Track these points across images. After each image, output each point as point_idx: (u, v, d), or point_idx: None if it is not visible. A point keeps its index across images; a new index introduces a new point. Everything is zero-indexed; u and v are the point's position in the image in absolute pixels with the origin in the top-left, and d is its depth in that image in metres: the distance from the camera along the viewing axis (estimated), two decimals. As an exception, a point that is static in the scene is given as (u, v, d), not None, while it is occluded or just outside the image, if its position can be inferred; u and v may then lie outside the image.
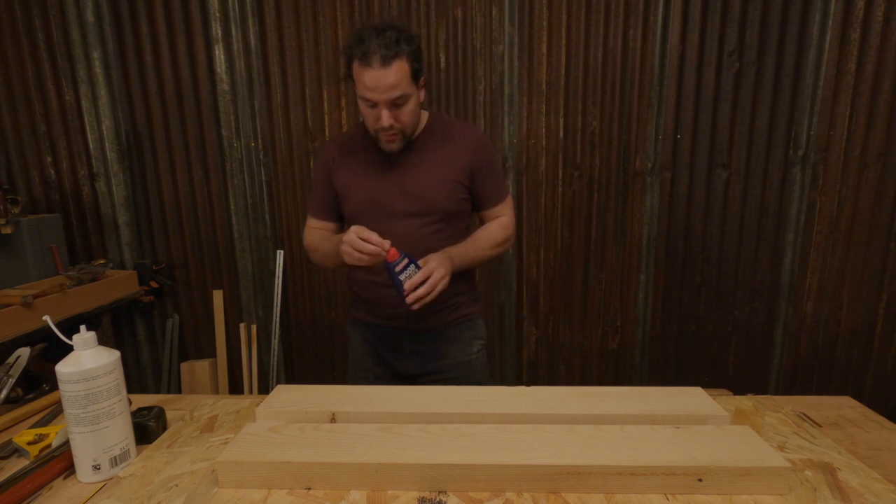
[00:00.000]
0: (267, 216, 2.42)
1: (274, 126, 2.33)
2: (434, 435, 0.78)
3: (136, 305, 2.49)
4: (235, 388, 2.57)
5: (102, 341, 0.80)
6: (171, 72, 2.30)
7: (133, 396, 1.01)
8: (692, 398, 0.89)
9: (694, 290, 2.35)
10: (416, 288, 1.04)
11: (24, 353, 1.09)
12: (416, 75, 1.08)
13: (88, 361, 0.75)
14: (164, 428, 0.93)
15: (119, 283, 2.28)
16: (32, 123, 2.37)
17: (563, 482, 0.70)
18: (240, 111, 2.32)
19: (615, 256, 2.35)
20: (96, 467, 0.77)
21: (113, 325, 2.35)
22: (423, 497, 0.70)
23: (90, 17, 2.26)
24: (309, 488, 0.72)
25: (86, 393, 0.74)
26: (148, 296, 2.42)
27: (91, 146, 2.39)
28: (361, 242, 1.02)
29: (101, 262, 2.40)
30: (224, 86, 2.30)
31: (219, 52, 2.26)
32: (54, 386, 0.91)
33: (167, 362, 2.54)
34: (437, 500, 0.70)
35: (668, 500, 0.69)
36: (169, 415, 0.97)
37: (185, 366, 2.52)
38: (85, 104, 2.35)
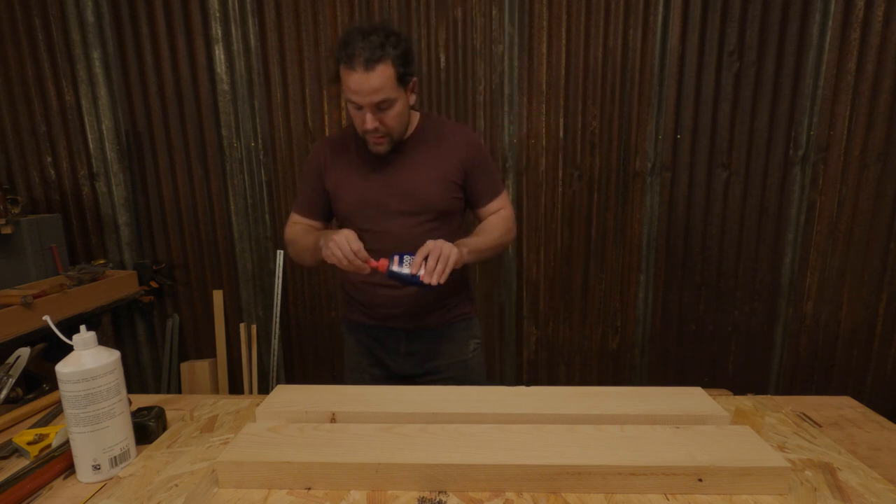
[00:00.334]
0: (267, 216, 2.42)
1: (274, 126, 2.33)
2: (434, 435, 0.78)
3: (136, 305, 2.49)
4: (235, 388, 2.57)
5: (102, 341, 0.80)
6: (171, 72, 2.30)
7: (133, 396, 1.01)
8: (692, 398, 0.89)
9: (694, 290, 2.35)
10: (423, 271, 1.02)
11: (24, 353, 1.09)
12: (402, 79, 1.07)
13: (88, 361, 0.75)
14: (164, 428, 0.93)
15: (119, 283, 2.28)
16: (32, 123, 2.37)
17: (563, 482, 0.70)
18: (240, 111, 2.32)
19: (615, 256, 2.35)
20: (96, 467, 0.77)
21: (113, 325, 2.35)
22: (423, 497, 0.70)
23: (90, 17, 2.26)
24: (309, 488, 0.72)
25: (86, 393, 0.74)
26: (148, 296, 2.42)
27: (91, 146, 2.39)
28: (349, 251, 1.01)
29: (101, 262, 2.40)
30: (224, 86, 2.30)
31: (219, 52, 2.26)
32: (54, 386, 0.91)
33: (167, 362, 2.54)
34: (437, 500, 0.70)
35: (668, 500, 0.69)
36: (169, 415, 0.97)
37: (185, 366, 2.52)
38: (85, 104, 2.35)
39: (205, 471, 0.77)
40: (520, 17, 2.16)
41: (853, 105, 2.13)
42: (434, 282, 1.00)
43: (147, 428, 0.88)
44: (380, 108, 1.07)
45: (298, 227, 1.29)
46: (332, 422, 0.85)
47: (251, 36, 2.24)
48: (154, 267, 2.45)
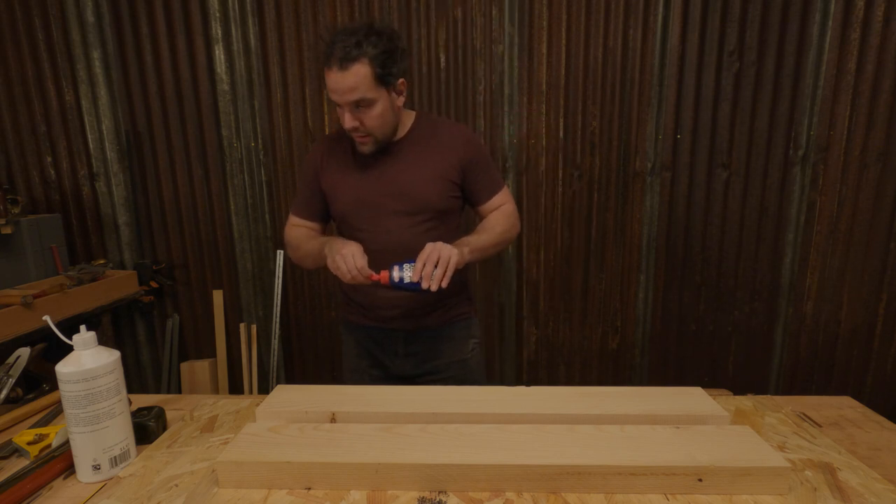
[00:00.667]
0: (267, 216, 2.42)
1: (274, 126, 2.33)
2: (434, 435, 0.78)
3: (136, 305, 2.49)
4: (235, 388, 2.57)
5: (102, 341, 0.81)
6: (171, 72, 2.30)
7: (133, 396, 1.01)
8: (692, 398, 0.89)
9: (694, 290, 2.35)
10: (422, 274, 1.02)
11: (24, 353, 1.09)
12: (382, 79, 1.06)
13: (88, 361, 0.75)
14: (164, 428, 0.93)
15: (119, 283, 2.28)
16: (32, 123, 2.37)
17: (563, 482, 0.70)
18: (240, 111, 2.32)
19: (615, 256, 2.35)
20: (96, 467, 0.77)
21: (113, 325, 2.35)
22: (423, 497, 0.70)
23: (90, 17, 2.26)
24: (309, 488, 0.72)
25: (86, 393, 0.74)
26: (148, 296, 2.42)
27: (91, 146, 2.39)
28: (353, 267, 1.02)
29: (101, 262, 2.40)
30: (224, 86, 2.30)
31: (219, 52, 2.26)
32: (54, 386, 0.91)
33: (167, 362, 2.54)
34: (437, 500, 0.70)
35: (668, 500, 0.69)
36: (169, 415, 0.97)
37: (185, 366, 2.52)
38: (85, 104, 2.35)
39: (205, 471, 0.77)
40: (520, 17, 2.16)
41: (853, 105, 2.13)
42: (434, 287, 1.01)
43: (147, 428, 0.88)
44: (358, 107, 1.07)
45: (299, 230, 1.28)
46: (332, 422, 0.85)
47: (251, 36, 2.24)
48: (154, 267, 2.45)
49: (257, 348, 2.50)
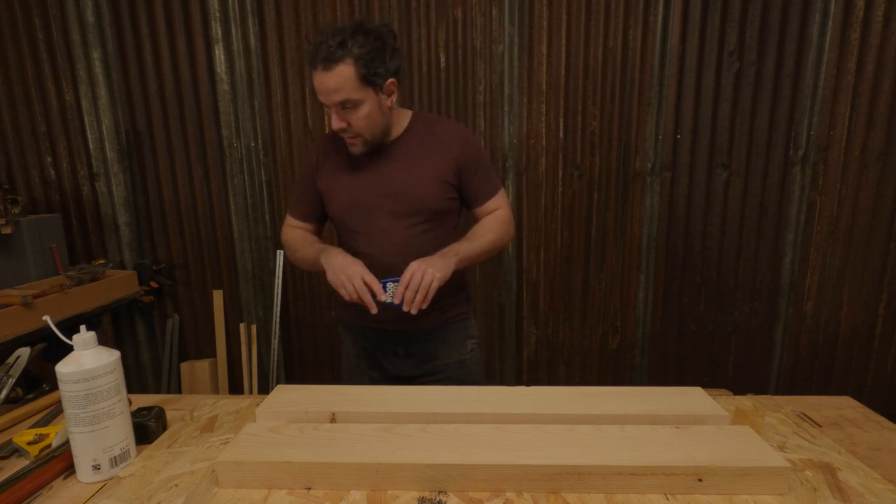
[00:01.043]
0: (267, 216, 2.42)
1: (274, 126, 2.33)
2: (434, 435, 0.78)
3: (136, 305, 2.49)
4: (235, 388, 2.57)
5: (102, 341, 0.81)
6: (171, 72, 2.30)
7: (133, 396, 1.01)
8: (692, 398, 0.89)
9: (694, 290, 2.35)
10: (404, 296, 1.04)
11: (24, 353, 1.09)
12: (368, 80, 1.04)
13: (88, 361, 0.75)
14: (164, 428, 0.93)
15: (119, 283, 2.28)
16: (32, 123, 2.37)
17: (563, 482, 0.70)
18: (240, 111, 2.32)
19: (615, 256, 2.35)
20: (96, 467, 0.77)
21: (113, 325, 2.35)
22: (423, 497, 0.70)
23: (90, 17, 2.26)
24: (309, 488, 0.72)
25: (86, 393, 0.74)
26: (148, 296, 2.42)
27: (91, 146, 2.39)
28: (363, 288, 1.04)
29: (101, 262, 2.40)
30: (224, 86, 2.30)
31: (219, 52, 2.26)
32: (54, 386, 0.91)
33: (167, 362, 2.54)
34: (437, 500, 0.70)
35: (668, 500, 0.69)
36: (169, 415, 0.97)
37: (185, 366, 2.52)
38: (85, 104, 2.35)
39: (205, 471, 0.77)
40: (520, 17, 2.16)
41: (853, 105, 2.13)
42: (414, 311, 1.03)
43: (147, 428, 0.88)
44: (344, 107, 1.06)
45: (296, 232, 1.28)
46: (332, 422, 0.85)
47: (251, 36, 2.24)
48: (154, 267, 2.45)
49: (257, 348, 2.50)
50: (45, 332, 1.84)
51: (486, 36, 2.19)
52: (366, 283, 1.04)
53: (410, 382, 1.26)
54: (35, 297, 1.87)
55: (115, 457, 0.78)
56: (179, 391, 2.55)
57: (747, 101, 2.17)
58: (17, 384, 1.07)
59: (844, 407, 0.99)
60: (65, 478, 0.78)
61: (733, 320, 2.37)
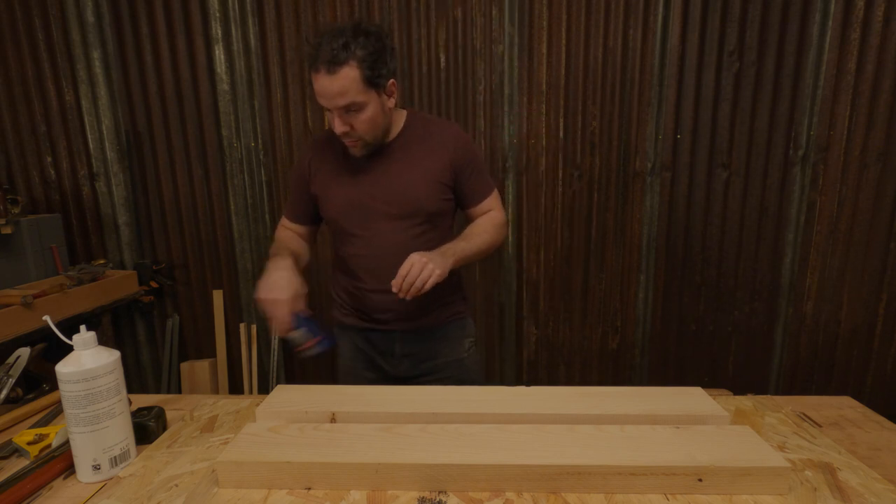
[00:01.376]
0: (267, 216, 2.42)
1: (274, 126, 2.33)
2: (434, 435, 0.78)
3: (136, 305, 2.49)
4: (235, 388, 2.57)
5: (102, 341, 0.81)
6: (171, 72, 2.30)
7: (133, 396, 1.01)
8: (692, 398, 0.89)
9: (694, 290, 2.35)
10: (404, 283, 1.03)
11: (24, 353, 1.09)
12: (371, 82, 1.03)
13: (88, 361, 0.75)
14: (164, 428, 0.93)
15: (119, 283, 2.28)
16: (32, 123, 2.37)
17: (563, 482, 0.70)
18: (240, 111, 2.32)
19: (615, 256, 2.35)
20: (96, 467, 0.77)
21: (113, 325, 2.35)
22: (423, 497, 0.70)
23: (90, 17, 2.26)
24: (309, 488, 0.72)
25: (86, 393, 0.74)
26: (148, 296, 2.42)
27: (91, 146, 2.39)
28: (274, 314, 1.02)
29: (101, 262, 2.40)
30: (224, 86, 2.30)
31: (219, 52, 2.26)
32: (54, 386, 0.91)
33: (167, 362, 2.54)
34: (437, 500, 0.70)
35: (668, 500, 0.69)
36: (169, 415, 0.97)
37: (185, 366, 2.52)
38: (85, 104, 2.35)
39: (205, 471, 0.77)
40: (520, 17, 2.16)
41: (853, 105, 2.13)
42: (409, 297, 1.03)
43: (147, 428, 0.88)
44: (348, 111, 1.04)
45: (282, 234, 1.29)
46: (332, 422, 0.85)
47: (251, 36, 2.24)
48: (154, 267, 2.45)
49: (257, 348, 2.50)
50: (45, 332, 1.84)
51: (486, 36, 2.19)
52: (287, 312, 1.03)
53: (408, 382, 1.26)
54: (35, 297, 1.87)
55: (115, 457, 0.78)
56: (179, 391, 2.54)
57: (747, 101, 2.17)
58: (17, 384, 1.07)
59: (844, 407, 0.99)
60: (65, 478, 0.78)
61: (733, 320, 2.37)
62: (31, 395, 1.09)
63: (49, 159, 2.41)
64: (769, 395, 1.03)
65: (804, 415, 0.95)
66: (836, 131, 2.16)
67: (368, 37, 1.02)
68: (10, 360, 1.08)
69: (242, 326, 2.49)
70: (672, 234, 2.31)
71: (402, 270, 1.02)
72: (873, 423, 0.93)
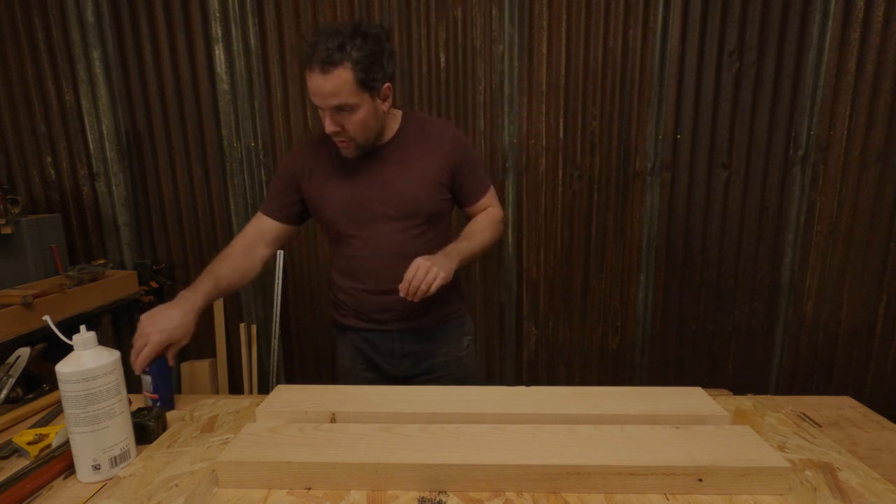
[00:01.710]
0: (267, 216, 2.41)
1: (274, 126, 2.33)
2: (434, 435, 0.78)
3: (136, 305, 2.49)
4: (235, 388, 2.57)
5: (102, 341, 0.81)
6: (171, 72, 2.30)
7: (133, 396, 1.01)
8: (692, 398, 0.89)
9: (694, 290, 2.35)
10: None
11: (24, 353, 1.09)
12: (365, 84, 1.02)
13: (88, 361, 0.76)
14: (164, 428, 0.93)
15: (119, 283, 2.28)
16: (32, 123, 2.37)
17: (563, 482, 0.70)
18: (240, 111, 2.32)
19: (615, 256, 2.35)
20: (96, 467, 0.77)
21: (113, 325, 2.35)
22: (423, 497, 0.70)
23: (90, 17, 2.26)
24: (309, 488, 0.72)
25: (86, 393, 0.74)
26: (148, 296, 2.42)
27: (91, 146, 2.39)
28: (140, 349, 0.96)
29: (101, 262, 2.40)
30: (224, 86, 2.30)
31: (219, 52, 2.26)
32: (54, 386, 0.91)
33: (167, 362, 2.54)
34: (437, 500, 0.70)
35: (668, 500, 0.69)
36: (169, 415, 0.97)
37: (185, 366, 2.52)
38: (85, 104, 2.35)
39: (205, 471, 0.77)
40: (520, 17, 2.16)
41: (853, 105, 2.13)
42: (416, 300, 1.03)
43: (147, 428, 0.88)
44: (339, 111, 1.04)
45: (236, 241, 1.22)
46: (332, 422, 0.85)
47: (251, 36, 2.24)
48: (154, 267, 2.45)
49: (257, 348, 2.50)
50: (45, 332, 1.84)
51: (486, 36, 2.19)
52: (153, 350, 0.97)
53: (408, 382, 1.26)
54: (35, 297, 1.87)
55: (115, 457, 0.78)
56: (179, 391, 2.54)
57: (747, 101, 2.16)
58: (17, 384, 1.07)
59: (844, 407, 0.99)
60: (65, 478, 0.78)
61: (733, 320, 2.37)
62: (31, 395, 1.09)
63: (49, 159, 2.41)
64: (769, 395, 1.03)
65: (804, 415, 0.95)
66: (836, 131, 2.16)
67: (366, 39, 1.01)
68: (10, 360, 1.08)
69: (242, 326, 2.49)
70: (672, 234, 2.31)
71: (408, 274, 1.02)
72: (873, 423, 0.93)
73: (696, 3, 2.10)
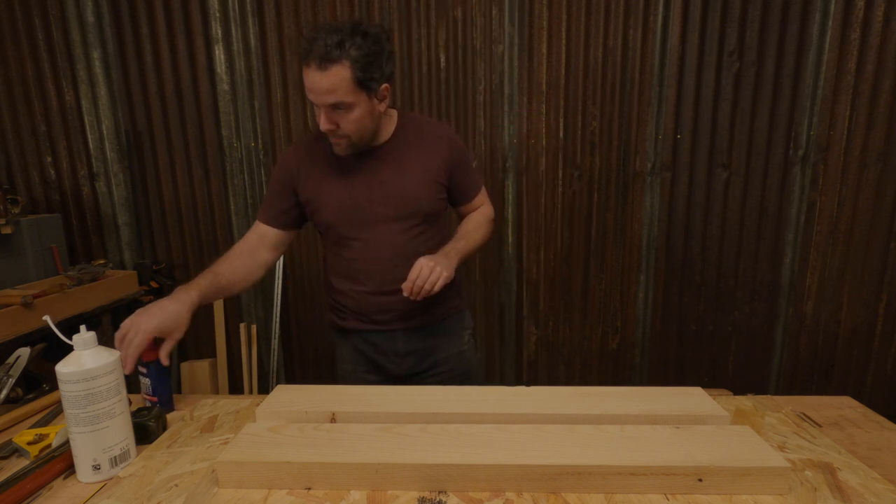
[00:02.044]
0: (267, 216, 2.41)
1: (274, 126, 2.33)
2: (434, 435, 0.78)
3: (136, 305, 2.48)
4: (235, 388, 2.57)
5: (102, 341, 0.80)
6: (171, 72, 2.30)
7: (133, 396, 1.01)
8: (692, 398, 0.89)
9: (694, 290, 2.35)
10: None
11: (24, 353, 1.09)
12: (363, 84, 1.01)
13: (88, 361, 0.75)
14: (164, 428, 0.93)
15: (119, 283, 2.28)
16: (32, 123, 2.37)
17: (563, 482, 0.70)
18: (240, 111, 2.32)
19: (615, 256, 2.35)
20: (96, 467, 0.77)
21: (113, 326, 2.35)
22: (423, 497, 0.70)
23: (90, 17, 2.26)
24: (309, 488, 0.72)
25: (86, 393, 0.74)
26: (148, 296, 2.42)
27: (91, 146, 2.39)
28: (127, 341, 0.93)
29: (101, 262, 2.40)
30: (224, 86, 2.30)
31: (219, 52, 2.26)
32: (54, 386, 0.91)
33: (167, 362, 2.54)
34: (437, 500, 0.70)
35: (668, 500, 0.69)
36: (169, 415, 0.97)
37: (185, 366, 2.52)
38: (85, 104, 2.35)
39: (205, 471, 0.77)
40: (520, 17, 2.16)
41: (853, 105, 2.13)
42: (419, 298, 1.04)
43: (147, 428, 0.88)
44: (335, 109, 1.03)
45: (237, 250, 1.19)
46: (332, 422, 0.85)
47: (251, 36, 2.24)
48: (154, 267, 2.45)
49: (257, 348, 2.50)
50: (45, 332, 1.84)
51: (486, 36, 2.19)
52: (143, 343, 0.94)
53: (413, 379, 1.27)
54: (35, 297, 1.87)
55: (115, 457, 0.78)
56: (179, 391, 2.54)
57: (747, 101, 2.16)
58: (17, 384, 1.07)
59: (844, 407, 0.99)
60: (65, 478, 0.78)
61: (733, 320, 2.37)
62: (31, 395, 1.09)
63: (49, 159, 2.41)
64: (769, 395, 1.03)
65: (804, 415, 0.95)
66: (836, 131, 2.16)
67: (366, 38, 1.00)
68: (10, 360, 1.08)
69: (242, 326, 2.49)
70: (672, 234, 2.31)
71: (412, 274, 1.03)
72: (873, 423, 0.93)
73: (696, 3, 2.10)
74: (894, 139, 2.14)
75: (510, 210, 2.33)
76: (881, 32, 2.06)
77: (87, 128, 2.37)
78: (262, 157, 2.36)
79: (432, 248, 1.14)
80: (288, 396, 0.92)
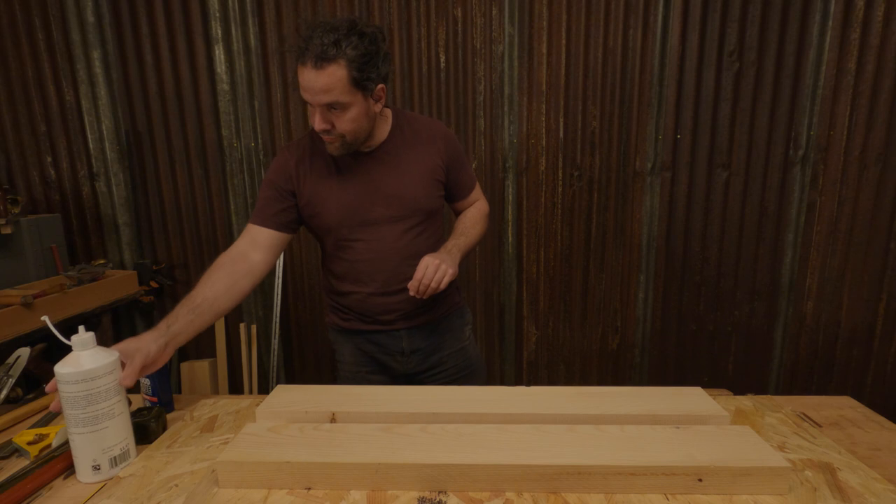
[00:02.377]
0: (267, 216, 2.41)
1: (274, 126, 2.33)
2: (434, 435, 0.78)
3: (136, 305, 2.49)
4: (235, 388, 2.57)
5: (102, 341, 0.80)
6: (171, 72, 2.30)
7: (133, 396, 1.01)
8: (692, 398, 0.89)
9: (694, 290, 2.35)
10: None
11: (24, 353, 1.09)
12: (359, 84, 0.99)
13: (87, 362, 0.75)
14: (164, 428, 0.93)
15: (119, 283, 2.28)
16: (32, 123, 2.37)
17: (563, 482, 0.70)
18: (240, 111, 2.32)
19: (615, 256, 2.35)
20: (96, 467, 0.77)
21: (113, 325, 2.35)
22: (423, 497, 0.70)
23: (90, 17, 2.26)
24: (309, 488, 0.72)
25: (85, 393, 0.74)
26: (148, 296, 2.42)
27: (91, 146, 2.38)
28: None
29: (101, 262, 2.40)
30: (224, 86, 2.30)
31: (219, 52, 2.26)
32: (54, 386, 0.91)
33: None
34: (437, 500, 0.70)
35: (668, 500, 0.69)
36: (169, 415, 0.97)
37: (185, 366, 2.52)
38: (85, 104, 2.35)
39: (205, 471, 0.77)
40: (520, 17, 2.16)
41: (853, 105, 2.13)
42: (425, 297, 1.04)
43: (147, 428, 0.88)
44: (330, 108, 1.01)
45: (221, 259, 1.11)
46: (332, 422, 0.85)
47: (251, 36, 2.24)
48: (154, 267, 2.45)
49: (257, 348, 2.50)
50: (45, 332, 1.84)
51: (486, 36, 2.19)
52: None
53: (417, 377, 1.28)
54: (35, 297, 1.87)
55: (114, 457, 0.78)
56: (179, 391, 2.54)
57: (747, 101, 2.16)
58: (17, 384, 1.07)
59: (844, 407, 0.99)
60: (65, 478, 0.78)
61: (733, 320, 2.37)
62: (31, 395, 1.09)
63: (49, 159, 2.41)
64: (769, 395, 1.03)
65: (804, 415, 0.95)
66: (836, 131, 2.16)
67: (362, 37, 0.98)
68: (10, 360, 1.08)
69: (242, 326, 2.49)
70: (672, 234, 2.31)
71: (418, 273, 1.02)
72: (873, 423, 0.93)
73: (696, 3, 2.10)
74: (894, 139, 2.14)
75: (510, 210, 2.33)
76: (881, 32, 2.06)
77: (87, 128, 2.37)
78: (262, 157, 2.36)
79: (433, 246, 1.15)
80: (288, 396, 0.92)
